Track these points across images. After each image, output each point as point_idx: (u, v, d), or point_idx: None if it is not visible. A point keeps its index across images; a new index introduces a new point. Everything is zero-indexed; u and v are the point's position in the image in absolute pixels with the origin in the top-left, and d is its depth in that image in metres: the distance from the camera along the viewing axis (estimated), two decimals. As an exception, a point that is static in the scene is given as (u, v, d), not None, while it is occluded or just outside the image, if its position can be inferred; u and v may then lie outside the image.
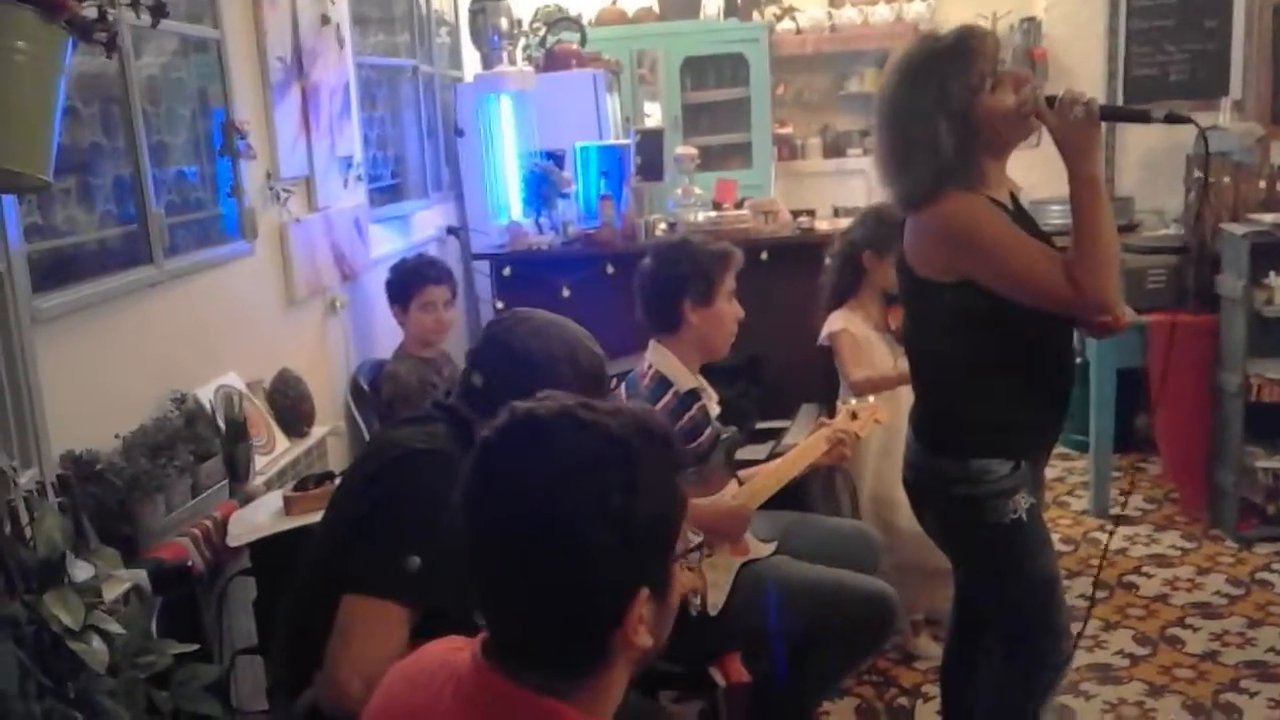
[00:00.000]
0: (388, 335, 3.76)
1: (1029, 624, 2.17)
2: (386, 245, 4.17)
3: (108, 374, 2.37)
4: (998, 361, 2.07)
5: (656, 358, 2.65)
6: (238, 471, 2.56)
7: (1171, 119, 1.99)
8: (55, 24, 1.37)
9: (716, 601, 2.50)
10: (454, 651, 1.18)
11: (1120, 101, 6.19)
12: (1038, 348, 2.09)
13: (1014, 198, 2.13)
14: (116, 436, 2.30)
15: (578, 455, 1.08)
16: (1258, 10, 6.00)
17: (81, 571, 1.44)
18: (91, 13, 1.40)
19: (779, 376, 3.82)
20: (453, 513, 1.12)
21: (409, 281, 3.50)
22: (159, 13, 1.64)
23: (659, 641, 1.14)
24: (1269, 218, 3.77)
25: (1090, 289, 1.92)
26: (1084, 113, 1.90)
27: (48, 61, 1.38)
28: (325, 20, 3.54)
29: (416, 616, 1.71)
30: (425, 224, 4.70)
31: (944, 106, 1.96)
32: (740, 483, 2.68)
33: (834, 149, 6.64)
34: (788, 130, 6.61)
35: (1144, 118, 2.03)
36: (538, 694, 1.08)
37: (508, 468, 1.10)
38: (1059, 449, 4.82)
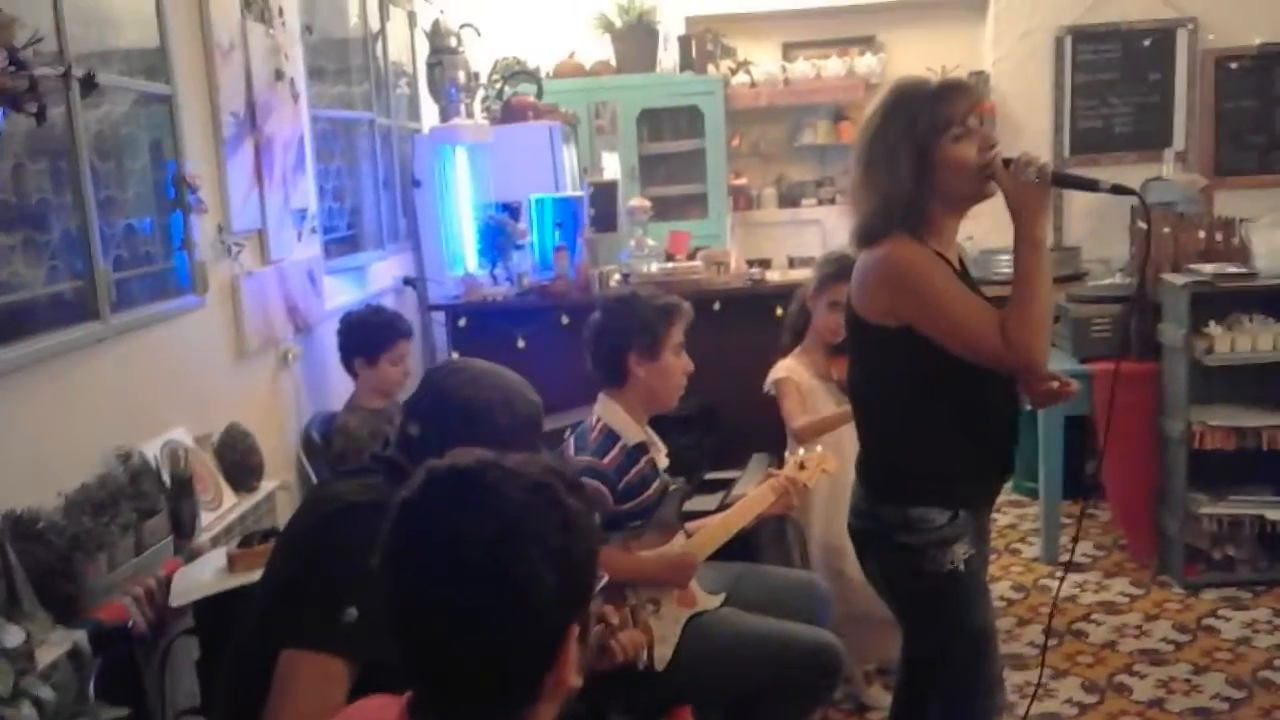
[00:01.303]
0: (340, 387, 3.76)
1: (962, 674, 2.19)
2: (342, 296, 4.17)
3: (52, 431, 2.36)
4: (936, 411, 2.11)
5: (604, 411, 2.67)
6: (183, 528, 2.55)
7: (1117, 190, 2.07)
8: (-16, 96, 1.38)
9: (664, 654, 2.51)
10: (382, 709, 1.19)
11: (1067, 153, 6.34)
12: (978, 399, 2.12)
13: (961, 261, 2.18)
14: (59, 494, 2.28)
15: (514, 502, 1.11)
16: (1200, 63, 6.20)
17: (12, 637, 1.43)
18: (22, 84, 1.41)
19: (732, 426, 3.84)
20: (376, 573, 1.13)
21: (381, 336, 3.51)
22: (89, 85, 1.66)
23: (579, 681, 1.16)
24: (1209, 268, 3.87)
25: (1020, 345, 1.97)
26: (1036, 176, 1.97)
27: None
28: (279, 75, 3.57)
29: (356, 669, 1.70)
30: (382, 274, 4.71)
31: (908, 138, 2.01)
32: (688, 534, 2.70)
33: (789, 199, 6.73)
34: (743, 181, 6.69)
35: (1092, 186, 2.10)
36: None
37: (438, 523, 1.12)
38: (1011, 496, 4.89)
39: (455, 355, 4.25)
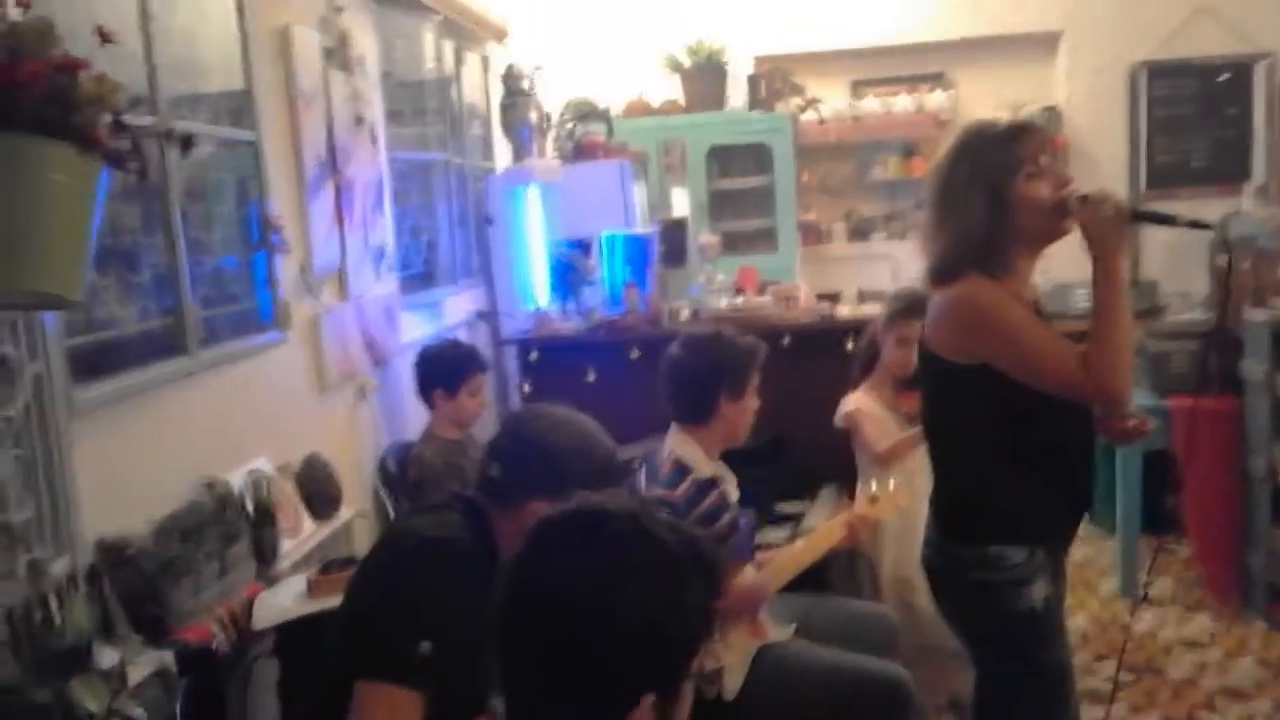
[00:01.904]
0: (414, 418, 3.84)
1: (1037, 714, 2.16)
2: (417, 330, 4.27)
3: (143, 461, 2.46)
4: (1013, 447, 2.09)
5: (678, 444, 2.69)
6: (264, 554, 2.63)
7: (1195, 225, 2.06)
8: (91, 156, 1.47)
9: (733, 685, 2.51)
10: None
11: (1144, 187, 6.26)
12: (1056, 436, 2.10)
13: (1036, 302, 2.18)
14: (148, 522, 2.37)
15: (631, 556, 1.14)
16: (1278, 97, 6.09)
17: (107, 659, 1.50)
18: (125, 144, 1.51)
19: (801, 459, 3.84)
20: (496, 584, 1.17)
21: (462, 368, 3.57)
22: (188, 146, 1.77)
23: None
24: (1290, 303, 3.80)
25: (1103, 379, 1.95)
26: (1113, 211, 1.96)
27: (83, 191, 1.49)
28: (359, 121, 3.69)
29: (428, 702, 1.74)
30: (455, 309, 4.81)
31: (981, 179, 2.02)
32: (758, 566, 2.71)
33: (858, 234, 6.74)
34: (812, 216, 6.72)
35: (1170, 221, 2.08)
36: None
37: (560, 549, 1.16)
38: (1090, 530, 4.81)
39: (527, 388, 4.33)
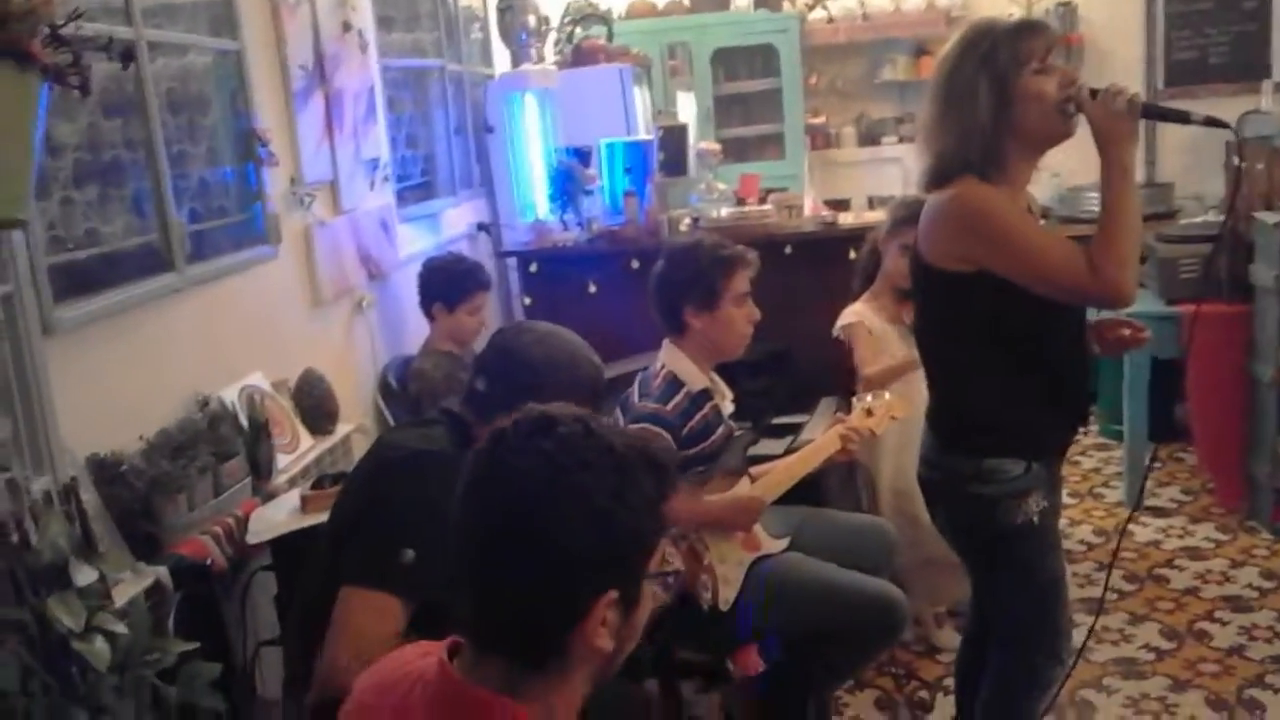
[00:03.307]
0: (416, 332, 3.83)
1: (1031, 624, 2.17)
2: (417, 243, 4.23)
3: (133, 378, 2.45)
4: (1009, 360, 2.06)
5: (669, 358, 2.67)
6: (260, 470, 2.63)
7: (1210, 122, 1.99)
8: (29, 73, 1.43)
9: (728, 597, 2.53)
10: (424, 655, 1.23)
11: (1160, 85, 6.10)
12: (1051, 347, 2.07)
13: (1030, 209, 2.13)
14: (140, 439, 2.37)
15: (575, 455, 1.15)
16: (1301, -10, 5.89)
17: (84, 576, 1.51)
18: (66, 58, 1.46)
19: (803, 370, 3.82)
20: (454, 498, 1.19)
21: (462, 285, 3.54)
22: (127, 59, 1.73)
23: (620, 654, 1.19)
24: (1303, 205, 3.71)
25: (1109, 277, 1.91)
26: (1125, 105, 1.91)
27: (23, 108, 1.45)
28: (347, 27, 3.60)
29: (411, 608, 1.78)
30: (455, 221, 4.75)
31: (987, 72, 1.96)
32: (752, 480, 2.70)
33: (868, 138, 6.61)
34: (821, 120, 6.58)
35: (1183, 119, 2.02)
36: (495, 693, 1.13)
37: (510, 455, 1.17)
38: (1096, 439, 4.80)
39: (528, 301, 4.31)
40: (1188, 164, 5.97)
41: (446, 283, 3.56)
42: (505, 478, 1.16)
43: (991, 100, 1.95)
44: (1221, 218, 4.49)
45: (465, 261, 3.68)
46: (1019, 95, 1.96)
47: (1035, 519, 2.08)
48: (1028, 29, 2.01)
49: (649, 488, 1.18)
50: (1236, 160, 3.97)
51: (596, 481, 1.14)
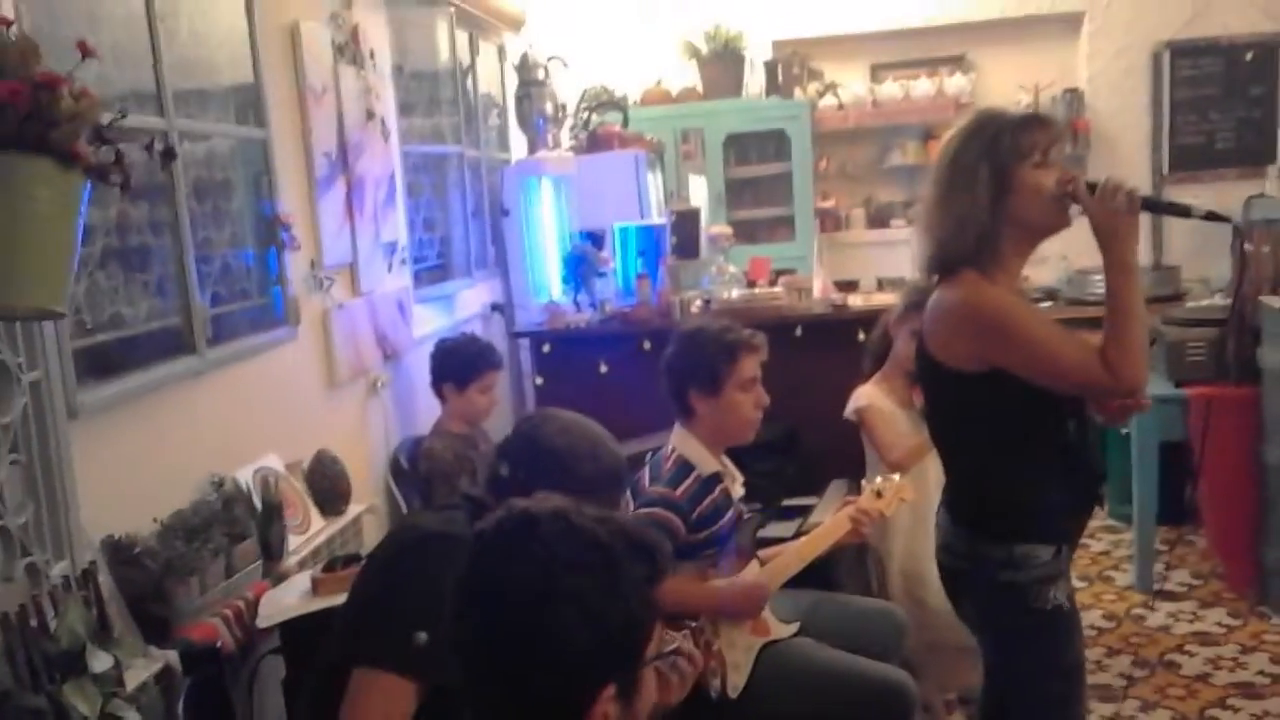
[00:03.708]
0: (427, 412, 3.87)
1: (1052, 711, 2.15)
2: (431, 323, 4.29)
3: (151, 460, 2.49)
4: (1030, 448, 2.07)
5: (679, 441, 2.69)
6: (272, 552, 2.66)
7: (1211, 217, 2.02)
8: (72, 171, 1.50)
9: (737, 683, 2.52)
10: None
11: (1166, 170, 6.18)
12: (1063, 430, 2.07)
13: (1022, 295, 2.16)
14: (155, 520, 2.40)
15: (562, 559, 1.16)
16: (1304, 77, 6.00)
17: (100, 662, 1.53)
18: (108, 156, 1.53)
19: (813, 452, 3.84)
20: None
21: (474, 365, 3.58)
22: (169, 157, 1.80)
23: None
24: (1309, 290, 3.74)
25: (1125, 373, 1.93)
26: (1125, 201, 1.92)
27: (66, 205, 1.52)
28: (370, 115, 3.71)
29: (423, 691, 1.80)
30: (469, 302, 4.83)
31: (987, 160, 1.99)
32: (761, 563, 2.71)
33: (877, 220, 6.70)
34: (830, 203, 6.69)
35: (1184, 213, 2.05)
36: None
37: (492, 567, 1.19)
38: (1104, 521, 4.78)
39: (539, 381, 4.35)
40: (1195, 246, 6.01)
41: (458, 363, 3.61)
42: (494, 592, 1.17)
43: (990, 188, 1.99)
44: (1226, 301, 4.53)
45: (477, 342, 3.73)
46: (1017, 185, 1.99)
47: (1065, 603, 2.07)
48: (1034, 122, 2.04)
49: (639, 575, 1.19)
50: (1242, 244, 4.02)
51: (586, 583, 1.15)
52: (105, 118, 1.55)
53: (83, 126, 1.46)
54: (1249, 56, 6.06)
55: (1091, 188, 1.96)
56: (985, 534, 2.11)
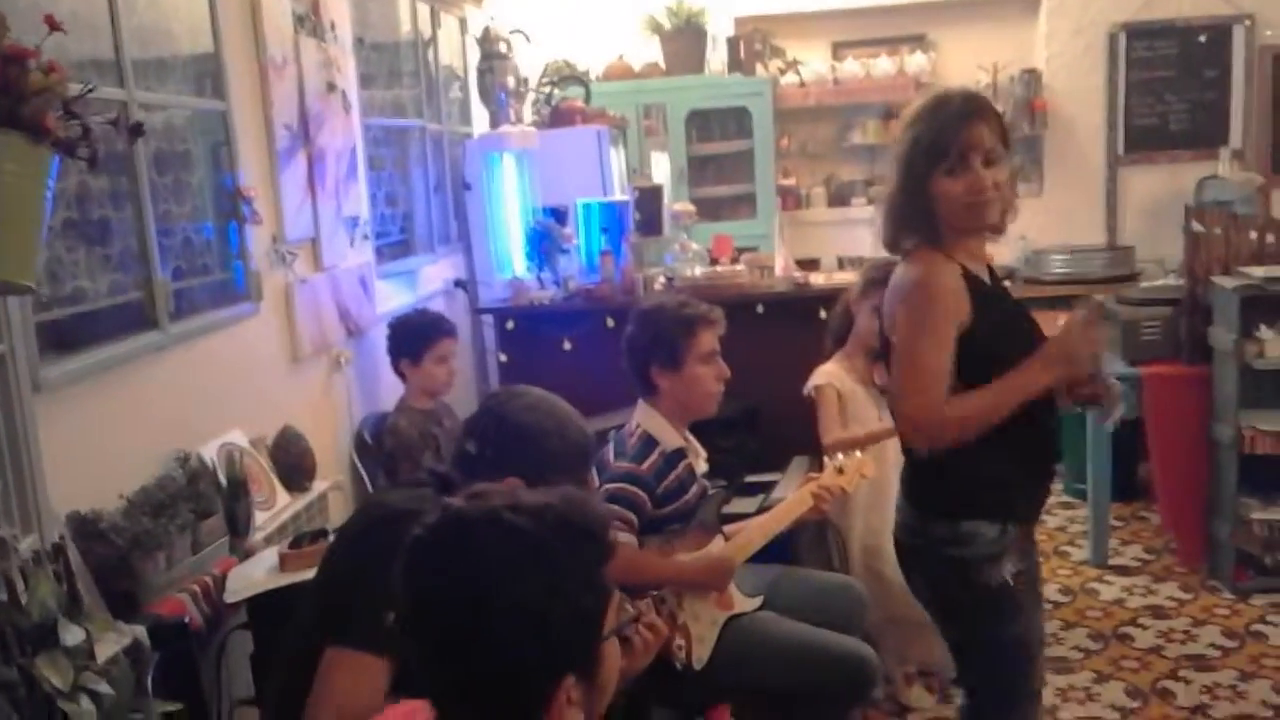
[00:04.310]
0: (392, 389, 3.86)
1: (1001, 687, 2.20)
2: (394, 300, 4.27)
3: (115, 436, 2.47)
4: None
5: (642, 417, 2.72)
6: (238, 527, 2.65)
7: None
8: (41, 145, 1.48)
9: (701, 655, 2.56)
10: (409, 715, 1.26)
11: (1121, 150, 6.26)
12: (1023, 409, 2.11)
13: (991, 271, 2.19)
14: (121, 496, 2.39)
15: (497, 566, 1.15)
16: (1257, 60, 6.10)
17: (72, 636, 1.53)
18: (76, 131, 1.51)
19: (775, 428, 3.87)
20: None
21: (425, 335, 3.58)
22: (136, 133, 1.78)
23: (595, 716, 1.21)
24: (1259, 271, 3.82)
25: (948, 431, 2.01)
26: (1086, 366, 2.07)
27: (35, 180, 1.50)
28: (331, 88, 3.67)
29: (394, 669, 1.79)
30: (432, 278, 4.81)
31: (907, 156, 2.05)
32: (726, 537, 2.74)
33: (838, 199, 6.74)
34: (792, 181, 6.71)
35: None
36: None
37: (431, 575, 1.18)
38: (1061, 498, 4.87)
39: (503, 358, 4.35)
40: (1149, 228, 6.13)
41: (409, 336, 3.60)
42: (430, 608, 1.16)
43: (909, 185, 2.05)
44: (1180, 282, 4.62)
45: (426, 314, 3.73)
46: (930, 189, 2.04)
47: (1010, 580, 2.11)
48: (959, 121, 2.03)
49: (585, 562, 1.18)
50: (1195, 225, 4.10)
51: (525, 590, 1.13)
52: (72, 91, 1.53)
53: (52, 100, 1.45)
54: (1203, 39, 6.15)
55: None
56: (933, 510, 2.16)
